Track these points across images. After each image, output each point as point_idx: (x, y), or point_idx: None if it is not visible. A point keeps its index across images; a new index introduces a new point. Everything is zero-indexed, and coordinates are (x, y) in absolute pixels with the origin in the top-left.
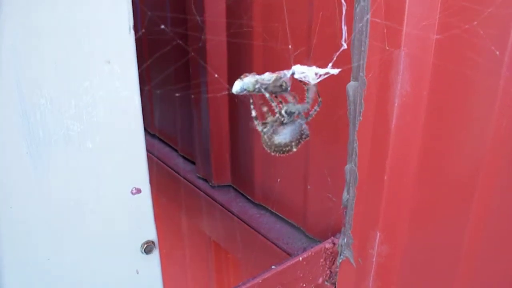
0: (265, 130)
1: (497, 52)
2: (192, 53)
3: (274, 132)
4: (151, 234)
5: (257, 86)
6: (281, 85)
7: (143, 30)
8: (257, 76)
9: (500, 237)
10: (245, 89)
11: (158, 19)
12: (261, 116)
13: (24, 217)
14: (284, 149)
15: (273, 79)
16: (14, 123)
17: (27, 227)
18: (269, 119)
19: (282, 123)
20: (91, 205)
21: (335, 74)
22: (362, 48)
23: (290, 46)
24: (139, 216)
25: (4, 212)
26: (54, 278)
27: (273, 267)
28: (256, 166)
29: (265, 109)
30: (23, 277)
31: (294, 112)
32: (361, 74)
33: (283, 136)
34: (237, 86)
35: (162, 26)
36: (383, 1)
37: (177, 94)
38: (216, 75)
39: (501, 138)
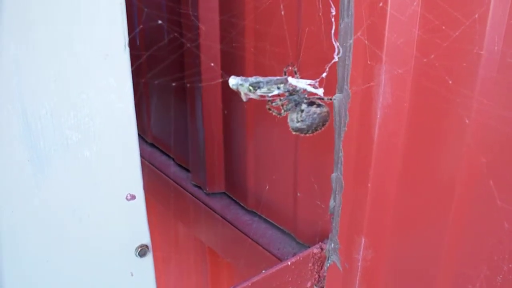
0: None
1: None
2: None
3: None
4: (145, 238)
5: (252, 82)
6: (277, 86)
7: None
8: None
9: (477, 241)
10: (240, 84)
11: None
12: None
13: (24, 221)
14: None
15: (267, 79)
16: (17, 133)
17: (27, 231)
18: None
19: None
20: (88, 210)
21: (320, 94)
22: (347, 62)
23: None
24: (134, 221)
25: (6, 216)
26: (52, 279)
27: (263, 271)
28: (249, 174)
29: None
30: (23, 278)
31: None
32: (345, 86)
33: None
34: (233, 80)
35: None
36: (365, 21)
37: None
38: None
39: (477, 147)
